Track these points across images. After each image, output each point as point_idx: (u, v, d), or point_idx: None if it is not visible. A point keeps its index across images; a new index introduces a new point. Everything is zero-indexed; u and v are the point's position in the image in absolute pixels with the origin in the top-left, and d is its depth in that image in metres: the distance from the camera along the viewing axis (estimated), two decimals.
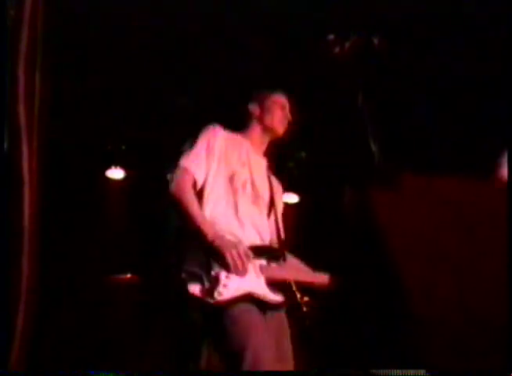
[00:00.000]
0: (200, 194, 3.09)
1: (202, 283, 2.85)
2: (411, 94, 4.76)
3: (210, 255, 2.88)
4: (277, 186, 3.49)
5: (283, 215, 6.90)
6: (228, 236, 2.99)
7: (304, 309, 3.16)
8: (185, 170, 3.06)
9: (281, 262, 3.14)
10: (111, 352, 5.85)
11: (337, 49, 4.81)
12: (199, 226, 2.92)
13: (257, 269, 3.00)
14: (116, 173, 6.85)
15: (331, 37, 4.80)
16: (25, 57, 2.07)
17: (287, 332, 3.13)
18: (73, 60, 4.63)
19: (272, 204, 3.32)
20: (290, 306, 3.19)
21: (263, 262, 3.07)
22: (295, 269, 3.21)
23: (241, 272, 2.86)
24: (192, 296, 2.81)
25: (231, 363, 2.77)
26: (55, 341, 5.68)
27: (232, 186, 3.16)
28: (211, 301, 2.80)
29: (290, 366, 2.99)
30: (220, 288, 2.81)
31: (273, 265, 3.12)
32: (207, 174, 3.11)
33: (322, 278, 3.28)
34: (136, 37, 4.57)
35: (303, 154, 6.24)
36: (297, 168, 6.36)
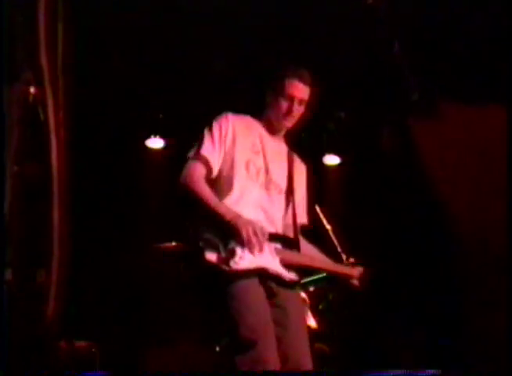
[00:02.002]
0: (215, 182, 3.11)
1: (219, 252, 2.90)
2: (448, 41, 4.63)
3: (227, 233, 2.93)
4: (299, 171, 3.39)
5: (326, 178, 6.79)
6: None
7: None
8: (199, 159, 3.08)
9: (294, 251, 3.15)
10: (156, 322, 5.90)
11: None
12: (214, 209, 2.98)
13: (273, 251, 3.04)
14: (156, 142, 6.85)
15: None
16: (45, 7, 2.02)
17: (302, 311, 3.21)
18: (99, 14, 4.53)
19: (290, 191, 3.24)
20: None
21: (278, 245, 3.10)
22: (310, 257, 3.23)
23: (256, 249, 2.91)
24: (209, 263, 2.88)
25: (229, 336, 2.92)
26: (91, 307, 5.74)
27: (247, 174, 3.14)
28: (227, 268, 2.86)
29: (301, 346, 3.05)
30: (236, 259, 2.87)
31: (288, 251, 3.13)
32: (221, 162, 3.12)
33: (342, 269, 3.31)
34: None
35: (342, 114, 6.14)
36: (337, 129, 6.27)
